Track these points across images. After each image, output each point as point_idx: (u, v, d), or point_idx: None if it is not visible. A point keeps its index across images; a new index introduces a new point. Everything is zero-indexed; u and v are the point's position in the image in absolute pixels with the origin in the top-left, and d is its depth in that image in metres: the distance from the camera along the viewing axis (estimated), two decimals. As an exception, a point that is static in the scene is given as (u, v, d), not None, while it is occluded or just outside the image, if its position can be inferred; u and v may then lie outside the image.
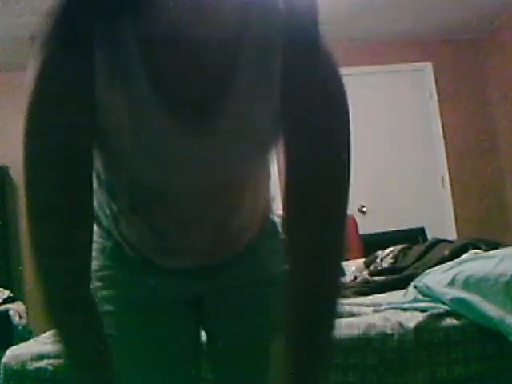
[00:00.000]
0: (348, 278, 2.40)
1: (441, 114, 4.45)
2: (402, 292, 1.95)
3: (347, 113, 0.68)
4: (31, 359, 1.64)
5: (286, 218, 0.73)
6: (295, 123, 0.68)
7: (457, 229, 4.31)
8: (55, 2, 0.59)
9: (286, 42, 0.64)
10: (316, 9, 0.64)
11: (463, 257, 2.02)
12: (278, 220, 0.95)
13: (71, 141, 0.63)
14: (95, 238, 0.84)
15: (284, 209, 0.72)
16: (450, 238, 2.92)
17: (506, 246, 2.22)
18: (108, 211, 0.82)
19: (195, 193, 0.74)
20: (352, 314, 1.76)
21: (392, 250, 2.66)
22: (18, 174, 4.23)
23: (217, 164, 0.70)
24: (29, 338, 2.25)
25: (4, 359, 1.67)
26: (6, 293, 3.31)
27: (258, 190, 0.85)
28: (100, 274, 0.87)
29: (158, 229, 0.80)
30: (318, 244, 0.70)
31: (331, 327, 0.72)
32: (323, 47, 0.66)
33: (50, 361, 1.63)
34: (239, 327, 0.90)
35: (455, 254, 2.15)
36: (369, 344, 1.56)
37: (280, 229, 0.94)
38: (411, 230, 3.85)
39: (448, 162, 4.41)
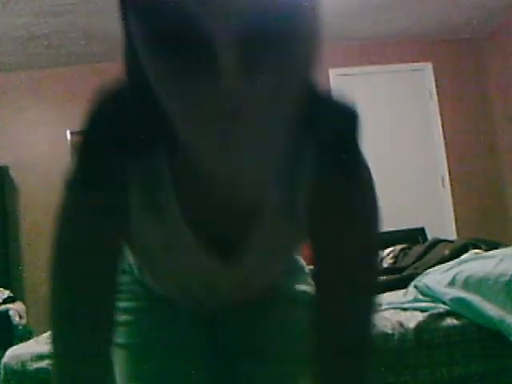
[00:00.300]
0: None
1: (441, 114, 4.45)
2: (401, 292, 1.95)
3: (379, 241, 0.69)
4: (31, 359, 1.64)
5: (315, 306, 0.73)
6: (326, 250, 0.68)
7: (457, 229, 4.31)
8: (89, 135, 0.59)
9: (322, 166, 0.62)
10: (359, 122, 0.60)
11: (463, 257, 2.02)
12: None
13: (99, 267, 0.65)
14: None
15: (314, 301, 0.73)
16: (450, 238, 2.92)
17: (506, 246, 2.22)
18: (134, 261, 0.84)
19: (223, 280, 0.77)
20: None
21: (392, 250, 2.66)
22: (17, 174, 4.23)
23: (246, 279, 0.74)
24: (29, 338, 2.26)
25: (4, 359, 1.67)
26: (6, 293, 3.31)
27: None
28: (121, 287, 0.88)
29: (184, 287, 0.81)
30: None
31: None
32: (361, 165, 0.65)
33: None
34: (256, 345, 0.89)
35: (455, 254, 2.15)
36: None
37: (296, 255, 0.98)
38: (411, 230, 3.85)
39: (448, 162, 4.41)
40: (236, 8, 0.41)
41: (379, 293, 0.74)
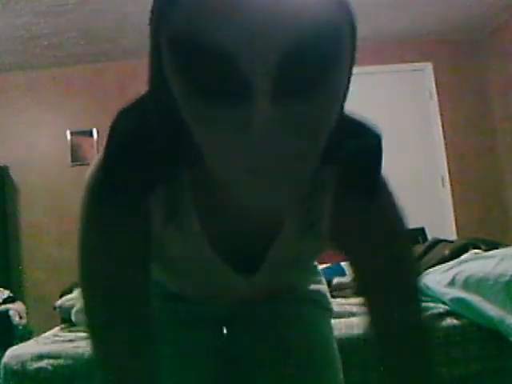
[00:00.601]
0: (348, 278, 2.40)
1: (441, 114, 4.45)
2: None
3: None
4: (31, 359, 1.64)
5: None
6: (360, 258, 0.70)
7: (457, 229, 4.31)
8: (111, 152, 0.58)
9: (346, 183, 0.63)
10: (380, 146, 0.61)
11: (463, 257, 2.02)
12: None
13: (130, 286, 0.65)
14: None
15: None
16: (450, 238, 2.91)
17: (506, 246, 2.22)
18: None
19: (239, 290, 0.78)
20: (352, 314, 1.76)
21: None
22: (17, 174, 4.23)
23: (264, 284, 0.74)
24: (29, 338, 2.26)
25: (4, 359, 1.67)
26: (6, 293, 3.32)
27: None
28: None
29: (198, 288, 0.82)
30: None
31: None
32: (383, 180, 0.66)
33: (50, 361, 1.63)
34: (266, 344, 0.90)
35: (455, 253, 2.15)
36: (369, 344, 1.56)
37: None
38: (411, 230, 3.83)
39: (448, 162, 4.41)
40: (272, 40, 0.40)
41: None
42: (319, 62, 0.42)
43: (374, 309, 0.72)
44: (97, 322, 0.66)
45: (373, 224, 0.66)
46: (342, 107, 0.50)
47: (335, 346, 0.92)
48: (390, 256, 0.68)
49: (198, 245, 0.66)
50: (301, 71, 0.42)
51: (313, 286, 0.97)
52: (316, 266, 1.02)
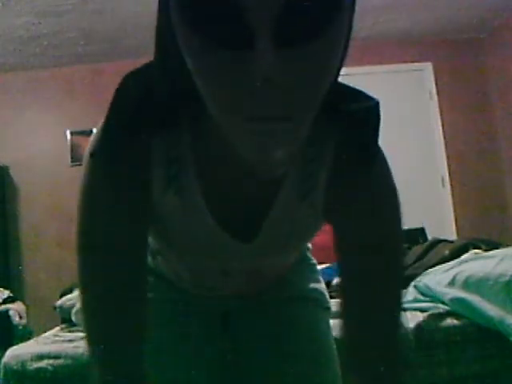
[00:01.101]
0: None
1: (441, 114, 4.45)
2: (402, 292, 1.95)
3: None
4: (31, 359, 1.64)
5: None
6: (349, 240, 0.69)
7: (457, 229, 4.31)
8: (115, 110, 0.59)
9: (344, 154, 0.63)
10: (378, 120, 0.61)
11: (463, 257, 2.02)
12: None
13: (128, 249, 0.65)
14: None
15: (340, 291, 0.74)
16: (450, 238, 2.91)
17: (506, 246, 2.22)
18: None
19: (238, 264, 0.77)
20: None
21: (392, 250, 2.65)
22: (17, 174, 4.23)
23: (261, 257, 0.73)
24: (29, 338, 2.26)
25: (4, 359, 1.67)
26: (6, 293, 3.32)
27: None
28: None
29: (195, 269, 0.81)
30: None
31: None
32: (379, 153, 0.65)
33: (50, 361, 1.63)
34: (266, 340, 0.90)
35: (455, 253, 2.15)
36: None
37: (306, 253, 0.98)
38: (411, 230, 3.84)
39: (448, 162, 4.41)
40: None
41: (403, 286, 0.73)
42: (321, 10, 0.42)
43: (355, 300, 0.71)
44: (90, 283, 0.66)
45: (367, 198, 0.65)
46: (341, 61, 0.50)
47: (334, 346, 0.93)
48: (380, 231, 0.68)
49: (197, 210, 0.65)
50: (303, 18, 0.42)
51: (312, 285, 0.97)
52: (315, 265, 1.02)
